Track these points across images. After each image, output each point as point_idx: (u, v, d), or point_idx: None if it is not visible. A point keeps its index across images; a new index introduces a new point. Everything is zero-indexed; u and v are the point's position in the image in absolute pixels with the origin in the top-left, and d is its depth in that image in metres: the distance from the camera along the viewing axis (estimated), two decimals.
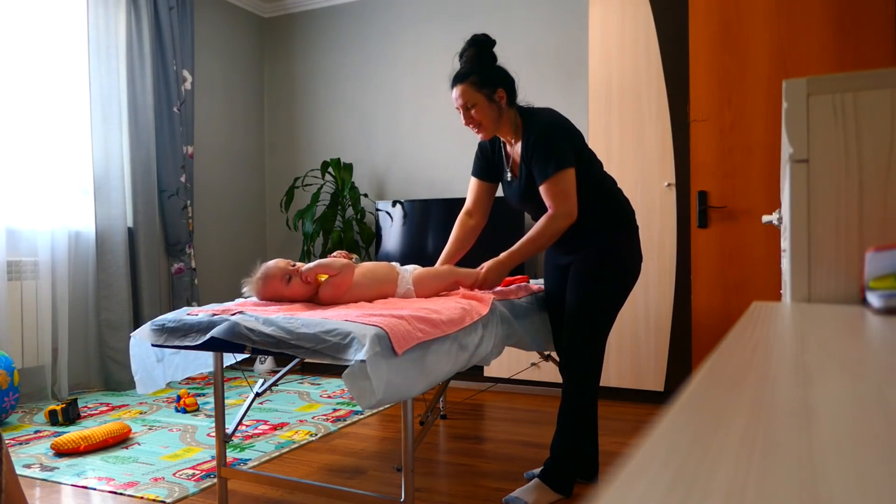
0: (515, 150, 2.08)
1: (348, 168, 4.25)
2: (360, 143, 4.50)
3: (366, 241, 4.14)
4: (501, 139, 2.13)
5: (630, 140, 3.18)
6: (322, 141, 4.64)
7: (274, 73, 4.83)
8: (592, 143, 3.25)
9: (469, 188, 2.26)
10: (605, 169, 2.17)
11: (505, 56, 3.95)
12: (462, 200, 3.74)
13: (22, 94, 3.29)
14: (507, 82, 2.05)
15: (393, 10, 4.37)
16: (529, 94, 3.88)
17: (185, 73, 4.06)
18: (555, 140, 1.94)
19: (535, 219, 2.12)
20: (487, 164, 2.20)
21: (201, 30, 4.34)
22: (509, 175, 2.13)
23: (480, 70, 2.01)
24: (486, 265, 2.05)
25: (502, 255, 2.04)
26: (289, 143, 4.78)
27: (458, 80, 2.02)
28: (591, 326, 2.02)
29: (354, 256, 2.09)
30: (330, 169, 4.24)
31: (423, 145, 4.23)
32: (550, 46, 3.89)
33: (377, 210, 4.14)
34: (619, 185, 2.16)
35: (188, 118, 4.08)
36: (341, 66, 4.56)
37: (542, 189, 1.95)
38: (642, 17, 3.14)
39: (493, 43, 2.05)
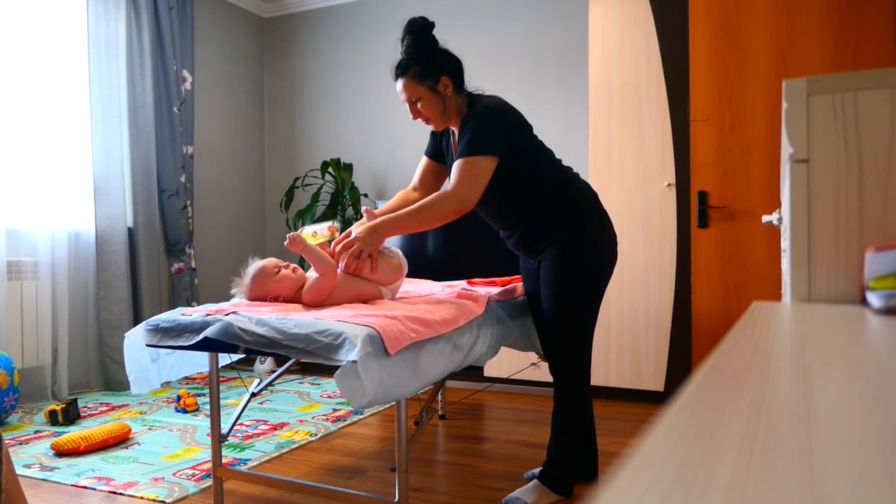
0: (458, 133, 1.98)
1: (348, 168, 4.25)
2: (360, 143, 4.50)
3: None
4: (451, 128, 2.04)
5: (630, 140, 3.18)
6: (322, 141, 4.64)
7: (274, 73, 4.83)
8: (592, 143, 3.25)
9: (419, 165, 2.18)
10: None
11: (505, 56, 3.99)
12: None
13: (22, 94, 3.29)
14: (450, 68, 1.92)
15: (393, 11, 4.37)
16: (529, 94, 3.91)
17: (185, 73, 4.06)
18: (485, 125, 1.82)
19: (488, 217, 2.06)
20: (436, 146, 2.13)
21: (201, 30, 4.34)
22: (449, 161, 2.05)
23: (420, 59, 1.88)
24: (356, 228, 1.87)
25: (375, 221, 1.85)
26: (289, 143, 4.78)
27: (398, 72, 1.90)
28: (572, 326, 1.95)
29: (336, 224, 2.03)
30: (330, 169, 4.24)
31: (422, 145, 4.23)
32: (550, 46, 3.89)
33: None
34: (579, 175, 2.05)
35: (188, 118, 4.08)
36: (341, 66, 4.56)
37: (454, 166, 1.83)
38: (642, 17, 3.14)
39: (432, 25, 1.92)
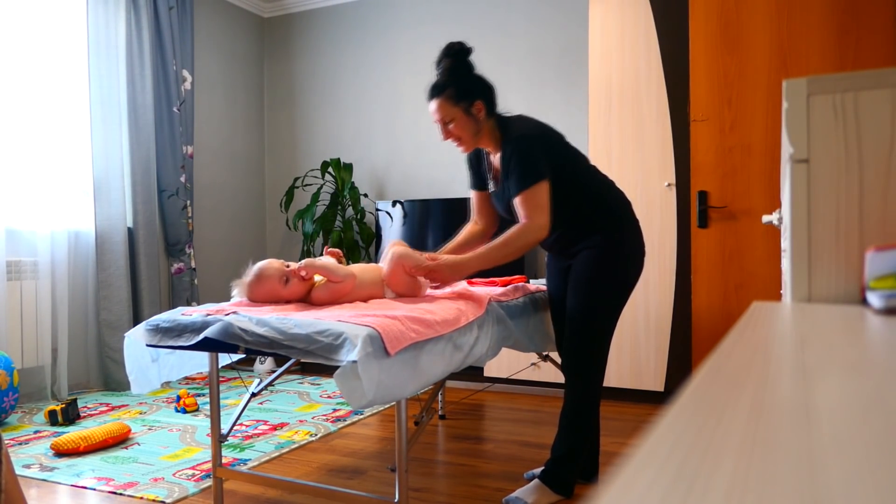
0: (496, 159, 2.05)
1: (348, 168, 4.25)
2: (360, 143, 4.50)
3: (366, 242, 4.14)
4: (484, 150, 2.11)
5: (630, 140, 3.18)
6: (322, 141, 4.64)
7: (274, 73, 4.83)
8: (592, 143, 3.25)
9: (472, 200, 2.26)
10: (606, 169, 2.16)
11: (505, 56, 3.99)
12: (462, 200, 3.76)
13: (22, 94, 3.29)
14: (485, 93, 1.98)
15: (392, 11, 4.37)
16: (529, 94, 3.91)
17: (185, 73, 4.06)
18: (526, 153, 1.90)
19: None
20: (476, 173, 2.19)
21: (201, 30, 4.34)
22: (492, 185, 2.11)
23: (457, 82, 1.94)
24: (443, 258, 1.95)
25: (463, 256, 1.96)
26: (289, 143, 4.78)
27: (434, 93, 1.96)
28: (593, 328, 2.00)
29: (340, 254, 2.07)
30: (330, 169, 4.24)
31: (422, 145, 4.23)
32: (550, 46, 3.89)
33: (377, 210, 4.14)
34: (615, 183, 2.12)
35: (188, 118, 4.08)
36: (341, 66, 4.56)
37: (515, 203, 1.92)
38: (642, 17, 3.14)
39: (470, 51, 1.98)
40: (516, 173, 1.90)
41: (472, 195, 2.25)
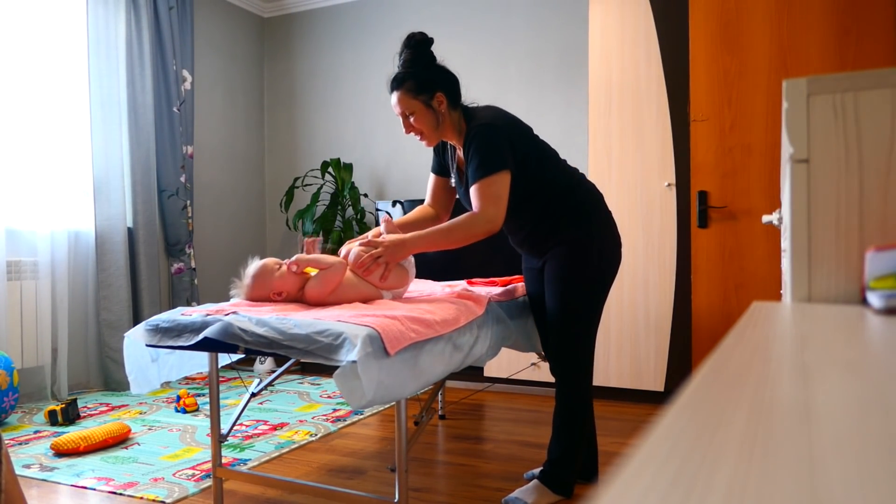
0: (460, 153, 2.01)
1: (348, 168, 4.25)
2: (360, 143, 4.50)
3: None
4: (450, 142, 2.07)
5: (630, 140, 3.18)
6: (322, 141, 4.64)
7: (274, 73, 4.83)
8: (592, 143, 3.25)
9: (428, 183, 2.21)
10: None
11: (505, 56, 3.99)
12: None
13: (22, 94, 3.29)
14: (446, 85, 1.93)
15: (393, 11, 4.37)
16: (529, 95, 3.91)
17: (185, 73, 4.06)
18: (488, 142, 1.84)
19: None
20: (440, 161, 2.16)
21: (201, 30, 4.34)
22: (454, 179, 2.08)
23: (416, 74, 1.90)
24: (387, 237, 1.90)
25: (407, 235, 1.90)
26: (289, 143, 4.78)
27: (394, 86, 1.92)
28: (576, 329, 1.96)
29: (319, 239, 2.08)
30: (330, 169, 4.24)
31: (422, 145, 4.22)
32: (550, 46, 3.89)
33: (377, 210, 4.14)
34: (585, 176, 2.07)
35: (188, 118, 4.08)
36: (341, 66, 4.56)
37: (471, 191, 1.86)
38: (642, 17, 3.14)
39: (430, 42, 1.93)
40: (475, 161, 1.84)
41: (430, 178, 2.20)
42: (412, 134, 1.98)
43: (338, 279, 1.86)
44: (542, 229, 1.99)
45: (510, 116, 1.96)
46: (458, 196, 2.14)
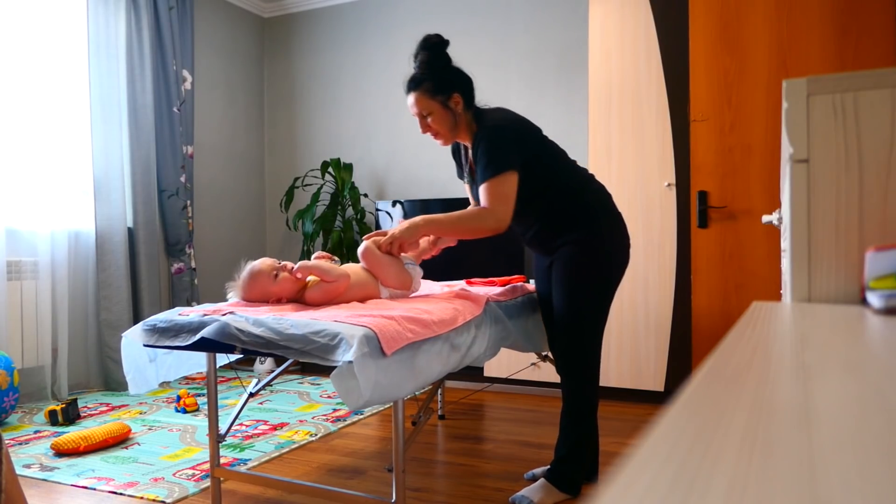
0: (472, 153, 2.04)
1: (348, 168, 4.25)
2: (360, 143, 4.50)
3: None
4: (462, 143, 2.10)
5: (630, 140, 3.18)
6: (322, 141, 4.64)
7: (274, 73, 4.83)
8: (592, 143, 3.25)
9: (465, 191, 2.26)
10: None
11: (505, 57, 3.99)
12: (462, 201, 3.75)
13: (22, 94, 3.29)
14: (462, 86, 1.97)
15: (393, 10, 4.37)
16: (529, 95, 3.91)
17: (185, 73, 4.06)
18: (496, 143, 1.88)
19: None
20: (459, 165, 2.19)
21: (201, 30, 4.34)
22: (466, 178, 2.12)
23: (434, 75, 1.93)
24: (395, 229, 1.96)
25: (418, 217, 1.94)
26: (289, 143, 4.78)
27: (411, 86, 1.95)
28: (582, 328, 1.97)
29: (335, 259, 2.07)
30: (330, 169, 4.24)
31: (423, 145, 4.23)
32: (550, 46, 3.89)
33: (377, 210, 4.14)
34: (594, 177, 2.09)
35: (188, 118, 4.08)
36: (341, 66, 4.56)
37: (480, 190, 1.89)
38: (642, 17, 3.14)
39: (447, 43, 1.96)
40: (483, 161, 1.87)
41: (464, 186, 2.25)
42: (428, 134, 2.00)
43: (341, 290, 1.87)
44: (550, 229, 2.00)
45: (519, 118, 1.99)
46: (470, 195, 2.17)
